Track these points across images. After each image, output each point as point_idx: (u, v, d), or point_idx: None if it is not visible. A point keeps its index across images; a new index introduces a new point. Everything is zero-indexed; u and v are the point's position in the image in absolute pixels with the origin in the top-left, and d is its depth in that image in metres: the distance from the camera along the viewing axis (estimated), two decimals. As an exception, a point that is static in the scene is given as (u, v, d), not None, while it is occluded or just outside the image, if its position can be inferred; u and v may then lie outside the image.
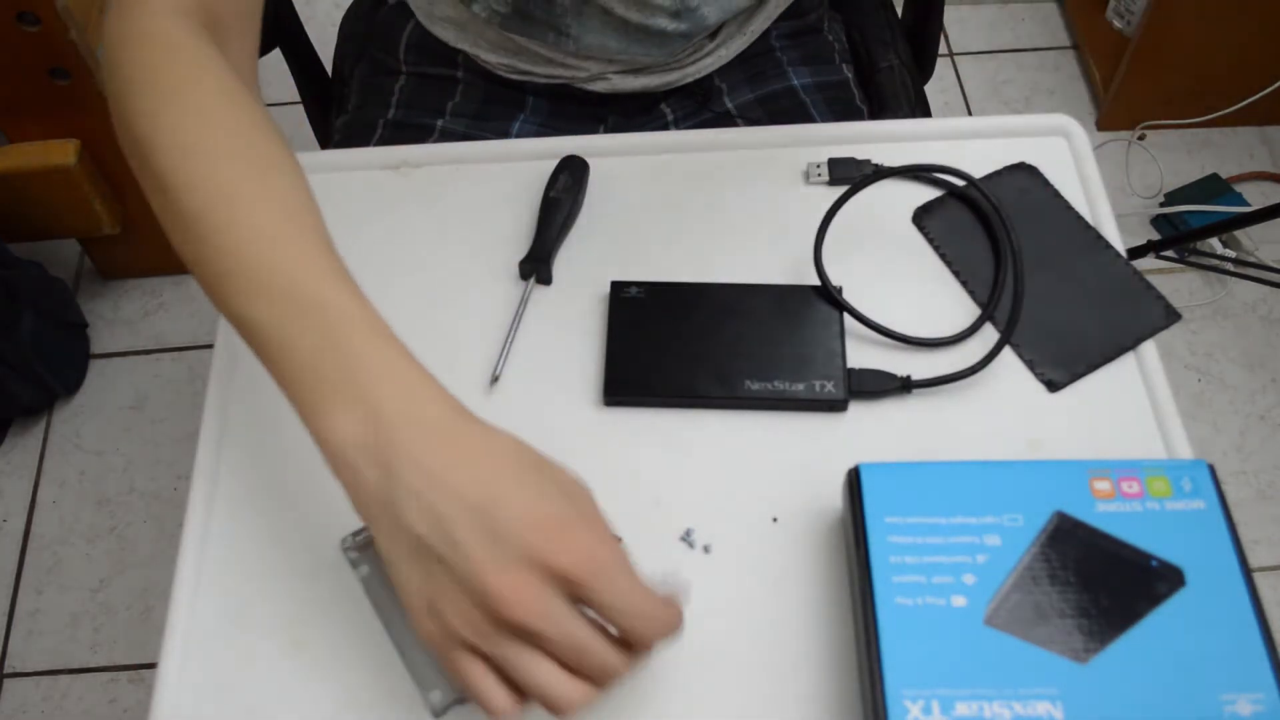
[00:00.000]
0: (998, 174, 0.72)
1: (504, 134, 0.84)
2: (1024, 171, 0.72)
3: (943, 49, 1.83)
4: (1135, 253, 1.43)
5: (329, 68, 1.04)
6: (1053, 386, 0.64)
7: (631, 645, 0.44)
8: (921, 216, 0.71)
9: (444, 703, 0.55)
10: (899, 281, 0.68)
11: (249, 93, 0.53)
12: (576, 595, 0.43)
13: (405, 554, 0.43)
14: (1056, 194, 0.71)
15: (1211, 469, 0.55)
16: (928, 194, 0.72)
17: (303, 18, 1.01)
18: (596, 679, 0.44)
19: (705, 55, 0.83)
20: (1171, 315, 0.67)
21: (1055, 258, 0.68)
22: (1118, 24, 1.77)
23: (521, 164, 0.73)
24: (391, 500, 0.43)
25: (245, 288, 0.47)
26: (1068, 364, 0.65)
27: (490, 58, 0.82)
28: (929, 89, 1.01)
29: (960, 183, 0.71)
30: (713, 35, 0.82)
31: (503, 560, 0.41)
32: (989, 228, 0.70)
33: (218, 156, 0.50)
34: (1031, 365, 0.65)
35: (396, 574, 0.44)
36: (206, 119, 0.51)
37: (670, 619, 0.45)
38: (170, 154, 0.50)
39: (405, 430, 0.44)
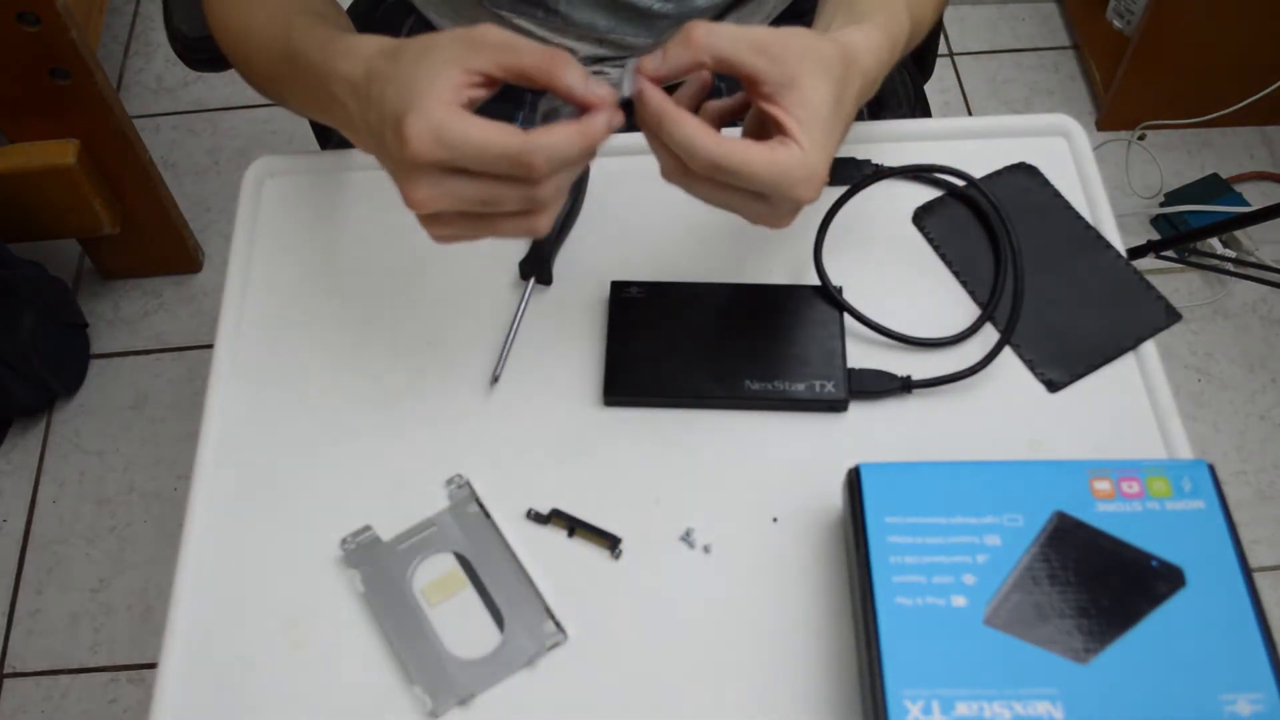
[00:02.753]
0: (998, 174, 0.72)
1: (508, 119, 0.84)
2: (1024, 171, 0.72)
3: (943, 49, 1.83)
4: (1135, 253, 1.43)
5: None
6: (1053, 386, 0.64)
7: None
8: (921, 216, 0.71)
9: (442, 703, 0.56)
10: (899, 281, 0.68)
11: None
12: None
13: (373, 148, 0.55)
14: (1056, 194, 0.71)
15: (1211, 469, 0.55)
16: (928, 194, 0.72)
17: (303, 18, 1.01)
18: (525, 173, 0.50)
19: (703, 52, 0.83)
20: (1171, 315, 0.67)
21: (1055, 258, 0.68)
22: (1118, 24, 1.77)
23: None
24: (365, 120, 0.54)
25: (286, 73, 0.63)
26: (1068, 364, 0.65)
27: None
28: (929, 89, 1.01)
29: (960, 183, 0.71)
30: None
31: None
32: (989, 228, 0.70)
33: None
34: (1031, 365, 0.65)
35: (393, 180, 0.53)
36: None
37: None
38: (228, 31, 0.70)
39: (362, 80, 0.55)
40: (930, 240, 0.70)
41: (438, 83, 0.50)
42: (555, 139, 0.50)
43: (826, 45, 0.53)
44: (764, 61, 0.51)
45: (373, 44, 0.55)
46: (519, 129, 0.50)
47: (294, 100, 0.66)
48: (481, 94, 0.51)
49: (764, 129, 0.53)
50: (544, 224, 0.53)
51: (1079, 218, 0.70)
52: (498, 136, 0.49)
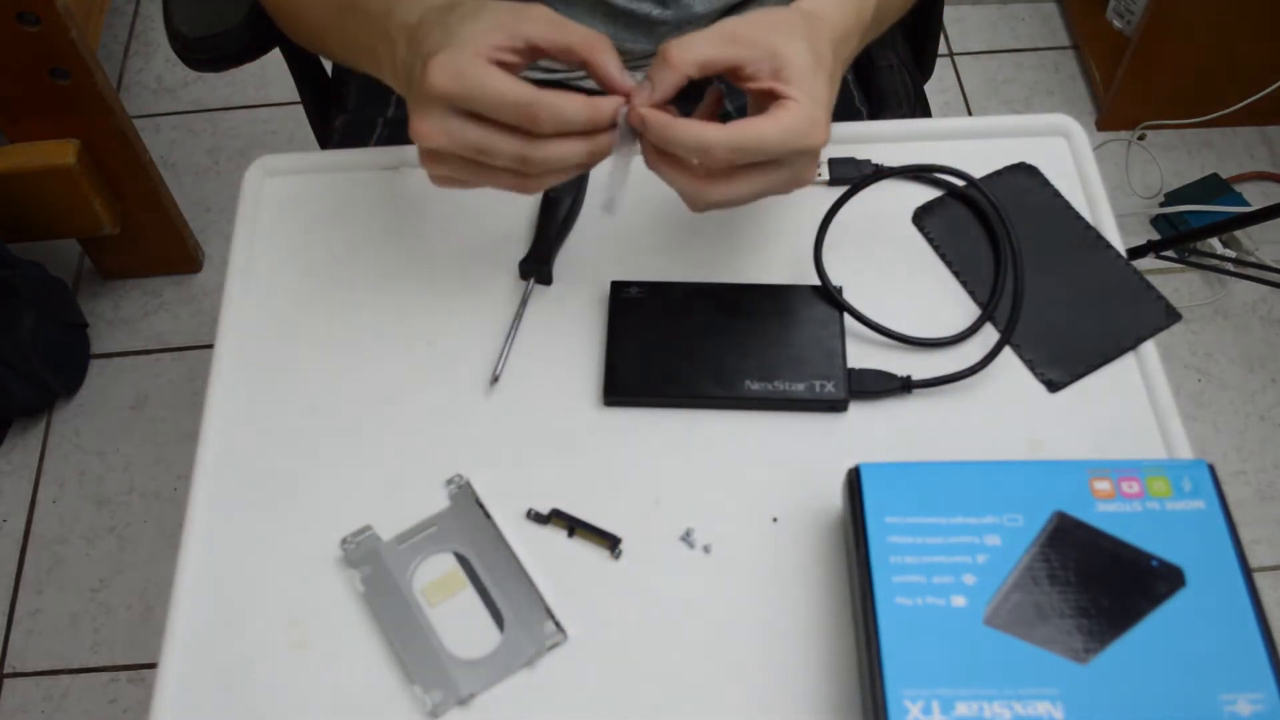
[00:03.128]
0: (998, 174, 0.72)
1: None
2: (1024, 171, 0.72)
3: (943, 49, 1.83)
4: (1135, 253, 1.43)
5: (328, 67, 1.04)
6: (1053, 386, 0.64)
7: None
8: (921, 216, 0.71)
9: (442, 703, 0.56)
10: (899, 281, 0.68)
11: None
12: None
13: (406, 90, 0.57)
14: (1056, 194, 0.71)
15: (1211, 469, 0.55)
16: (928, 194, 0.72)
17: (303, 18, 1.01)
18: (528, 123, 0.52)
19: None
20: (1171, 315, 0.67)
21: (1055, 258, 0.68)
22: (1118, 24, 1.77)
23: (521, 164, 0.73)
24: (406, 59, 0.57)
25: (340, 22, 0.66)
26: (1068, 364, 0.65)
27: None
28: (929, 89, 1.01)
29: (960, 183, 0.71)
30: None
31: (413, 111, 0.55)
32: (989, 228, 0.70)
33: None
34: (1031, 365, 0.65)
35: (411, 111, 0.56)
36: None
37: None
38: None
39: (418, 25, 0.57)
40: (930, 240, 0.70)
41: (478, 38, 0.53)
42: (564, 101, 0.53)
43: (786, 12, 0.57)
44: (739, 48, 0.55)
45: None
46: (531, 85, 0.52)
47: (338, 44, 0.69)
48: (517, 61, 0.54)
49: (760, 112, 0.55)
50: (531, 189, 0.56)
51: (1079, 218, 0.70)
52: (511, 84, 0.52)
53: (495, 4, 0.55)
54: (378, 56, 0.61)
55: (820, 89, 0.55)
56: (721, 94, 0.59)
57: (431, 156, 0.55)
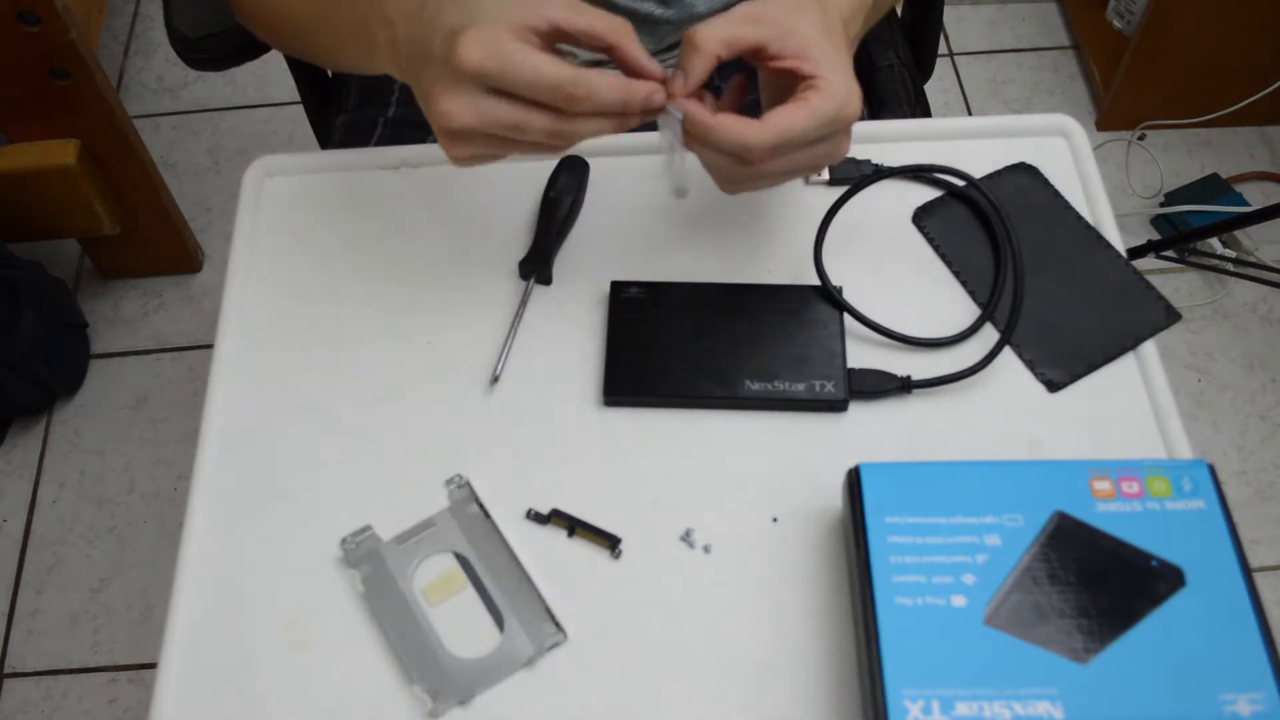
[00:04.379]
0: (998, 174, 0.72)
1: None
2: (1024, 171, 0.72)
3: (943, 49, 1.83)
4: (1135, 253, 1.43)
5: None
6: (1052, 386, 0.64)
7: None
8: (921, 216, 0.71)
9: (442, 703, 0.56)
10: (899, 281, 0.68)
11: None
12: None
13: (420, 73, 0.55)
14: (1056, 194, 0.71)
15: (1211, 469, 0.55)
16: (928, 194, 0.72)
17: (303, 18, 1.01)
18: (565, 104, 0.52)
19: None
20: (1171, 315, 0.67)
21: (1055, 258, 0.68)
22: (1118, 24, 1.77)
23: (521, 164, 0.73)
24: (411, 37, 0.56)
25: (328, 12, 0.65)
26: (1068, 364, 0.65)
27: None
28: (929, 89, 1.01)
29: (960, 183, 0.71)
30: None
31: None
32: (989, 228, 0.70)
33: None
34: (1031, 365, 0.65)
35: (421, 93, 0.55)
36: None
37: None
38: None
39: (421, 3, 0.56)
40: (930, 240, 0.70)
41: (510, 13, 0.52)
42: (602, 81, 0.53)
43: None
44: (760, 28, 0.55)
45: None
46: (568, 64, 0.52)
47: (327, 37, 0.67)
48: (539, 43, 0.54)
49: (779, 91, 0.56)
50: (556, 152, 0.57)
51: (1079, 218, 0.70)
52: (551, 64, 0.52)
53: None
54: (370, 40, 0.59)
55: (840, 58, 0.56)
56: (745, 81, 0.60)
57: (457, 136, 0.54)
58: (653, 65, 0.55)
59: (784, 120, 0.54)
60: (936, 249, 0.70)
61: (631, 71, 0.55)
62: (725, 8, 0.80)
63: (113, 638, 1.36)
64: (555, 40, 0.55)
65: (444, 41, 0.52)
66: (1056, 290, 0.67)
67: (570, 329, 0.67)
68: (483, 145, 0.55)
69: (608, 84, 0.53)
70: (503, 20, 0.52)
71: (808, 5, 0.57)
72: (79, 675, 1.34)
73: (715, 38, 0.55)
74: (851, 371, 0.64)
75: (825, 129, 0.55)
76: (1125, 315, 0.66)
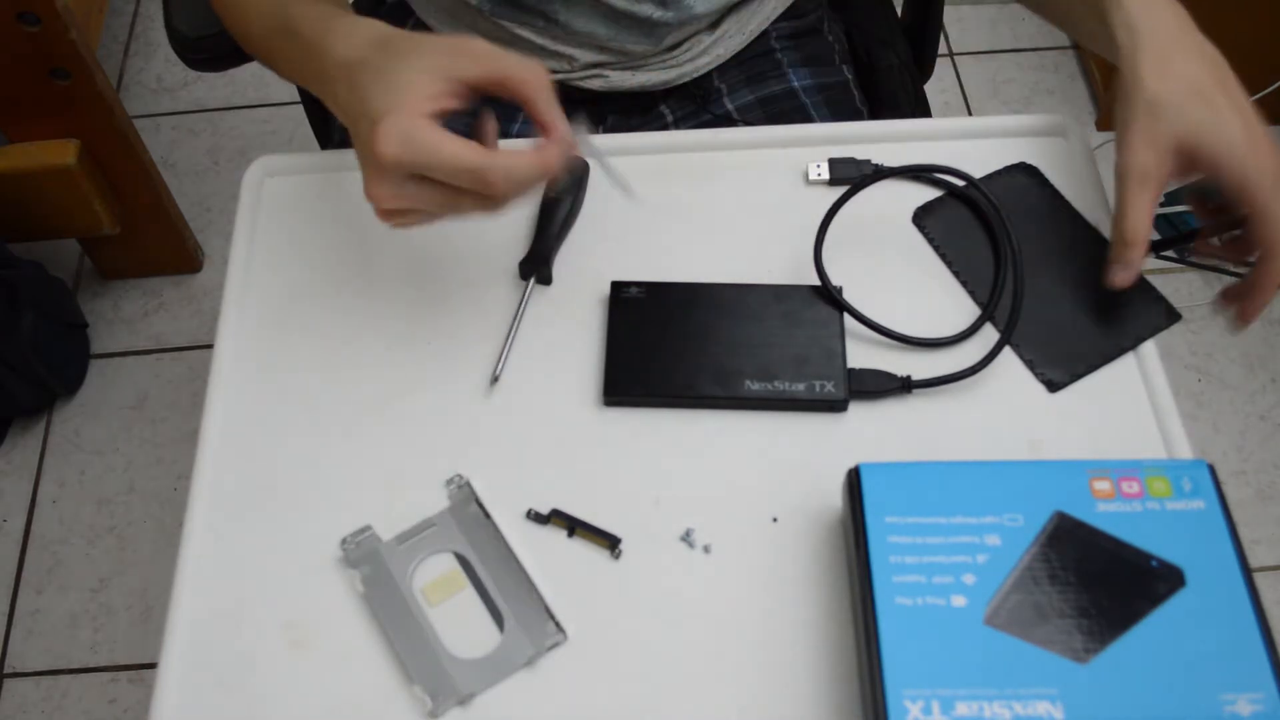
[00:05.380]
0: (998, 174, 0.72)
1: (503, 134, 0.84)
2: (1024, 171, 0.72)
3: (943, 49, 1.83)
4: (1135, 253, 1.42)
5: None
6: (1052, 386, 0.64)
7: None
8: (921, 216, 0.71)
9: (442, 703, 0.56)
10: (899, 281, 0.68)
11: None
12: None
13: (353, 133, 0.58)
14: (1056, 194, 0.71)
15: (1211, 469, 0.55)
16: (928, 194, 0.72)
17: (303, 18, 1.01)
18: (482, 188, 0.53)
19: (702, 53, 0.83)
20: (1171, 315, 0.67)
21: (1055, 258, 0.68)
22: (1118, 24, 1.77)
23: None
24: (349, 104, 0.57)
25: (281, 45, 0.65)
26: (1068, 364, 0.65)
27: None
28: (929, 89, 1.01)
29: (960, 183, 0.71)
30: (711, 30, 0.82)
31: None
32: (989, 228, 0.70)
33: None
34: (1031, 365, 0.65)
35: (359, 159, 0.57)
36: None
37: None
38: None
39: (355, 66, 0.57)
40: (930, 240, 0.70)
41: (416, 89, 0.53)
42: (514, 161, 0.54)
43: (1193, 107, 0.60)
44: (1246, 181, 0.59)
45: (370, 30, 0.58)
46: (481, 147, 0.53)
47: (288, 71, 0.68)
48: (457, 104, 0.55)
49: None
50: (502, 213, 0.57)
51: (1079, 217, 0.70)
52: (462, 152, 0.53)
53: (430, 41, 0.56)
54: (323, 90, 0.61)
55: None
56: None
57: (390, 213, 0.56)
58: (560, 121, 0.56)
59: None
60: (937, 249, 0.70)
61: (540, 127, 0.56)
62: (723, 10, 0.80)
63: (113, 638, 1.36)
64: (475, 97, 0.56)
65: (368, 128, 0.54)
66: (1056, 290, 0.67)
67: (570, 329, 0.67)
68: (415, 218, 0.57)
69: (523, 162, 0.54)
70: (417, 99, 0.53)
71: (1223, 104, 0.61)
72: (79, 675, 1.34)
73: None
74: (851, 371, 0.64)
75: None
76: (1125, 315, 0.66)
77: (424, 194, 0.54)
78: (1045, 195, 0.71)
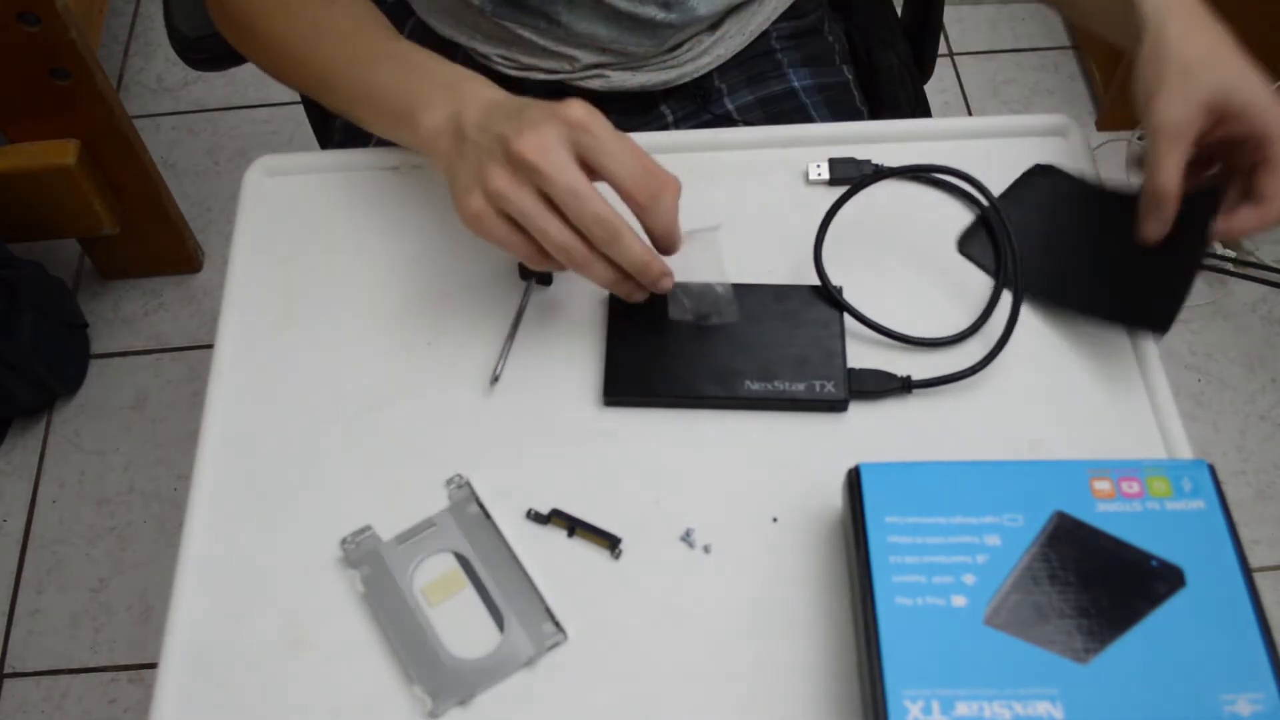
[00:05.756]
0: (1017, 183, 0.71)
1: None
2: (1041, 173, 0.71)
3: (943, 49, 1.83)
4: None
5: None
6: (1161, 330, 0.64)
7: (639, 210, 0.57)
8: (965, 245, 0.70)
9: (442, 703, 0.56)
10: (899, 281, 0.68)
11: None
12: (581, 154, 0.56)
13: (460, 160, 0.59)
14: (1084, 181, 0.70)
15: (1211, 469, 0.55)
16: (928, 194, 0.72)
17: (303, 18, 1.01)
18: (595, 235, 0.56)
19: (703, 54, 0.83)
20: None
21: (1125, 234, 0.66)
22: (1118, 24, 1.77)
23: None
24: (461, 134, 0.60)
25: (344, 70, 0.69)
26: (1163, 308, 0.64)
27: (486, 49, 0.82)
28: (929, 89, 1.01)
29: (960, 182, 0.71)
30: (711, 30, 0.82)
31: (522, 127, 0.56)
32: (989, 227, 0.70)
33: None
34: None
35: (455, 184, 0.59)
36: None
37: (660, 178, 0.57)
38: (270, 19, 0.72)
39: (471, 102, 0.62)
40: (976, 262, 0.69)
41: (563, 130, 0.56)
42: (634, 238, 0.56)
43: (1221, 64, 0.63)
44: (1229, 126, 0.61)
45: (490, 89, 0.63)
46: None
47: (343, 83, 0.69)
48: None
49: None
50: (554, 268, 0.59)
51: (1117, 192, 0.68)
52: (600, 195, 0.55)
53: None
54: (414, 105, 0.63)
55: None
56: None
57: (478, 217, 0.57)
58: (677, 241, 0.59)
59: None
60: (982, 267, 0.69)
61: (657, 239, 0.59)
62: (725, 11, 0.80)
63: (113, 638, 1.36)
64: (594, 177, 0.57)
65: (514, 123, 0.56)
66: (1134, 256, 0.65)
67: (570, 329, 0.67)
68: (506, 233, 0.57)
69: (638, 244, 0.56)
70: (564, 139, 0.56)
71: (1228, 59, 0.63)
72: (79, 675, 1.34)
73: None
74: (851, 371, 0.64)
75: None
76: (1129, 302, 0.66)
77: (532, 207, 0.56)
78: (1074, 186, 0.70)
